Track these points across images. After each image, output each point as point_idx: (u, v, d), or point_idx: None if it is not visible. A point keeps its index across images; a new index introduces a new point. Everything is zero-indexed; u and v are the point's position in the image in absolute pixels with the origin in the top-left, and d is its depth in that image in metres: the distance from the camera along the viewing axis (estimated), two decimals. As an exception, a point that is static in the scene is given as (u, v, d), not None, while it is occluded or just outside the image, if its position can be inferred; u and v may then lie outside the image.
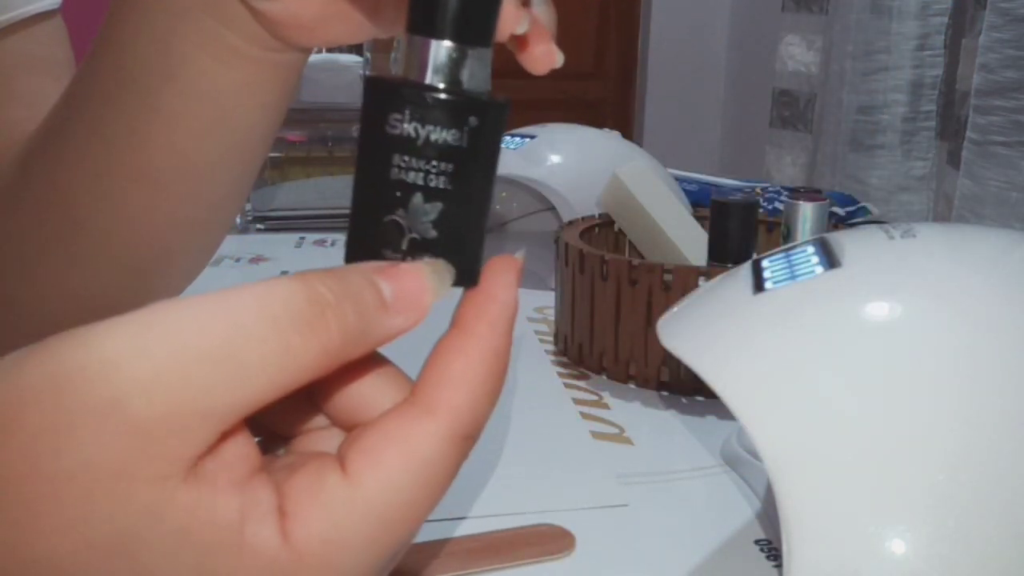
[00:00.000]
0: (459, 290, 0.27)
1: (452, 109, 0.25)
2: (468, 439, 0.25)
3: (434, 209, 0.26)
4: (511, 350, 0.26)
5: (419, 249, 0.26)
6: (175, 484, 0.22)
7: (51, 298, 0.47)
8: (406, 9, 0.26)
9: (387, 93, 0.25)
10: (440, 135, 0.25)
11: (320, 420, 0.28)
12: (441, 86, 0.26)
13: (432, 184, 0.25)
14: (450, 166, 0.25)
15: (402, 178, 0.25)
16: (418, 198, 0.26)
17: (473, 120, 0.25)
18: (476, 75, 0.26)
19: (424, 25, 0.26)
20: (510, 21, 0.28)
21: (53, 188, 0.45)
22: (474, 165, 0.26)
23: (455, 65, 0.26)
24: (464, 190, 0.26)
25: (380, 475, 0.24)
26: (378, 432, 0.25)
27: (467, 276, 0.27)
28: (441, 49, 0.26)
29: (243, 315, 0.22)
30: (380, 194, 0.26)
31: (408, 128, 0.25)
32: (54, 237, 0.45)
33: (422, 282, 0.25)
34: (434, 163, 0.25)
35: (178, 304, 0.22)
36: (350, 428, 0.27)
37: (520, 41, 0.31)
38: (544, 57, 0.31)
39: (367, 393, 0.27)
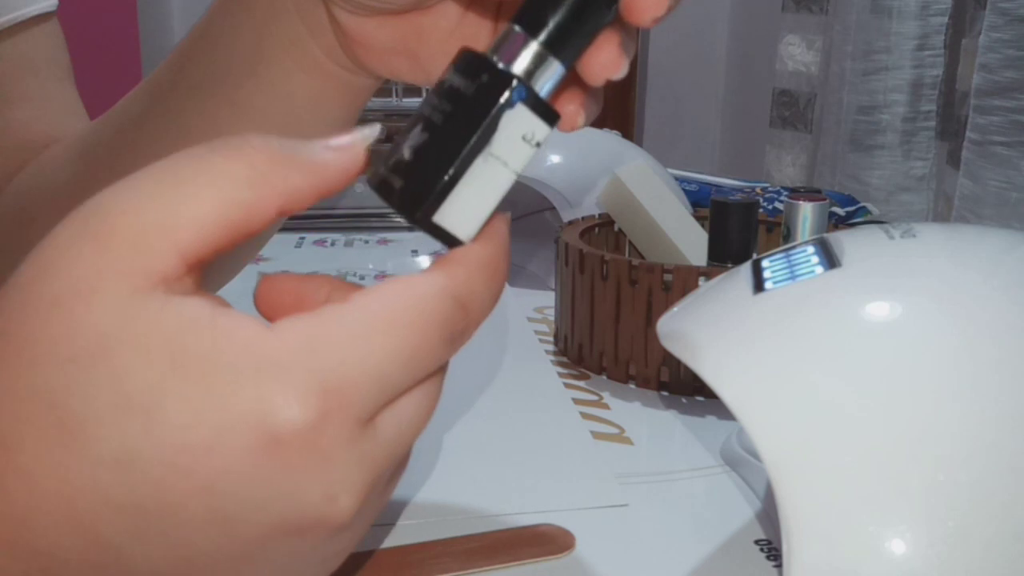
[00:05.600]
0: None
1: (476, 65, 0.28)
2: (461, 310, 0.27)
3: (421, 137, 0.28)
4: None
5: (395, 168, 0.28)
6: (144, 293, 0.24)
7: None
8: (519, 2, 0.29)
9: (458, 56, 0.29)
10: (456, 81, 0.28)
11: None
12: (504, 67, 0.28)
13: (432, 117, 0.28)
14: (449, 106, 0.28)
15: (422, 110, 0.29)
16: (419, 126, 0.28)
17: (486, 77, 0.28)
18: (541, 80, 0.29)
19: (526, 21, 0.29)
20: (611, 65, 0.30)
21: (117, 177, 0.45)
22: (468, 115, 0.28)
23: (530, 62, 0.28)
24: (450, 132, 0.28)
25: (372, 293, 0.26)
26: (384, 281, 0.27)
27: (421, 213, 0.28)
28: (526, 43, 0.29)
29: (206, 151, 0.26)
30: (410, 122, 0.29)
31: (449, 76, 0.29)
32: None
33: (353, 134, 0.28)
34: (442, 101, 0.28)
35: (167, 160, 0.26)
36: None
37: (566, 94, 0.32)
38: (572, 116, 0.32)
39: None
